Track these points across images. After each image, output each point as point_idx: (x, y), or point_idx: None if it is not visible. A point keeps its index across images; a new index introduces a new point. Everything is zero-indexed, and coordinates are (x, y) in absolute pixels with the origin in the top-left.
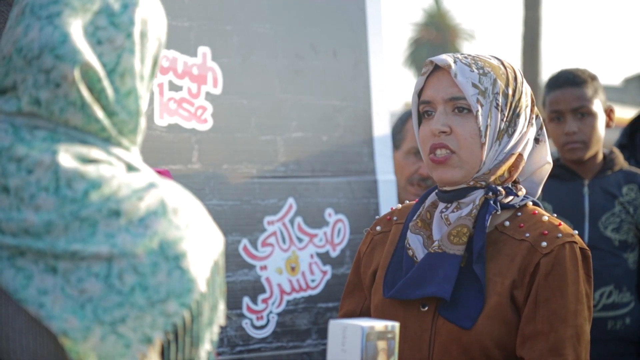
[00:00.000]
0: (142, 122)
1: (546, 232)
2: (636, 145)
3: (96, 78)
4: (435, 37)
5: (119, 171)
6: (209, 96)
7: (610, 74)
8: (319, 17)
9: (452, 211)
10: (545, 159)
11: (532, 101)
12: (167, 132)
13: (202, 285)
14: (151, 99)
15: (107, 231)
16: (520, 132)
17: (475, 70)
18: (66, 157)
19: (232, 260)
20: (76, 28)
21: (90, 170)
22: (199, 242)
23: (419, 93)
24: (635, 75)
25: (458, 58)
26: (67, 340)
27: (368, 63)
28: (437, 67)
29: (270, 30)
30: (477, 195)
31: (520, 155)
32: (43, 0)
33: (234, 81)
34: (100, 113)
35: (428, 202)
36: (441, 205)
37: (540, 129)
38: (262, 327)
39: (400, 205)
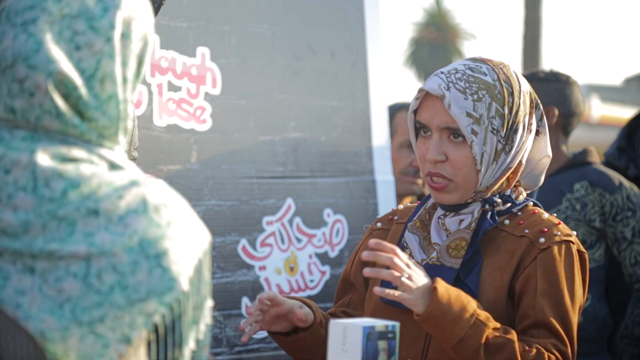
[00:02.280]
0: (128, 124)
1: (545, 229)
2: (635, 147)
3: (72, 86)
4: (435, 37)
5: (99, 170)
6: (207, 97)
7: (610, 74)
8: (317, 18)
9: (451, 217)
10: (544, 152)
11: (532, 102)
12: (166, 132)
13: (184, 284)
14: (150, 99)
15: (85, 230)
16: (518, 146)
17: (469, 97)
18: (44, 157)
19: (231, 260)
20: (52, 35)
21: (69, 169)
22: (182, 240)
23: (415, 111)
24: (636, 75)
25: (452, 82)
26: (45, 341)
27: (366, 63)
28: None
29: (268, 30)
30: (475, 208)
31: (519, 162)
32: (19, 6)
33: (233, 82)
34: (77, 120)
35: (429, 203)
36: (440, 211)
37: (540, 119)
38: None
39: (402, 206)
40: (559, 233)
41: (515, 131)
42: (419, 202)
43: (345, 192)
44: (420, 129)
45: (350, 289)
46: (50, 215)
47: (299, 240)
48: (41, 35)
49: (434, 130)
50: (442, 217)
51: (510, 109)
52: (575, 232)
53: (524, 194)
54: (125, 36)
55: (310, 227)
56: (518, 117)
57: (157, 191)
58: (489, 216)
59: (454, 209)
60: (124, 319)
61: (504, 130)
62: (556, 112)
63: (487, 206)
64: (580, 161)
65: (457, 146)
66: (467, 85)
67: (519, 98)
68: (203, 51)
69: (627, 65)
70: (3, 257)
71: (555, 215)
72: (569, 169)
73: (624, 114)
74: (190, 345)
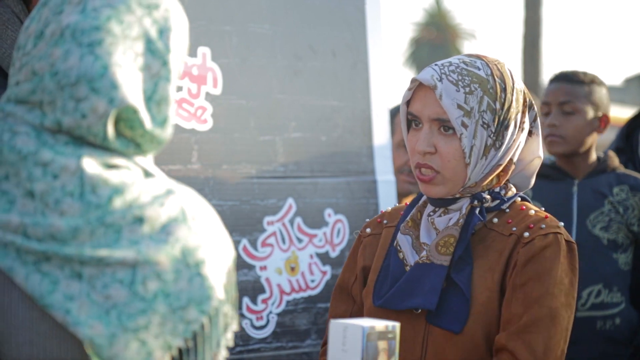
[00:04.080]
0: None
1: (532, 225)
2: (633, 147)
3: (132, 110)
4: (435, 37)
5: (138, 177)
6: (208, 97)
7: (610, 74)
8: (317, 18)
9: (439, 215)
10: (535, 153)
11: (525, 101)
12: None
13: (220, 292)
14: None
15: (131, 237)
16: (508, 143)
17: (461, 89)
18: (90, 163)
19: None
20: (117, 58)
21: (112, 175)
22: (216, 249)
23: (407, 102)
24: (636, 76)
25: (445, 74)
26: (93, 347)
27: (367, 63)
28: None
29: (269, 30)
30: (464, 204)
31: (510, 160)
32: (85, 26)
33: (234, 82)
34: (117, 144)
35: (421, 201)
36: (429, 208)
37: (533, 120)
38: (261, 328)
39: (390, 208)
40: (544, 226)
41: (507, 127)
42: (406, 203)
43: (346, 192)
44: (412, 121)
45: (348, 299)
46: (98, 221)
47: (299, 240)
48: (107, 59)
49: (425, 121)
50: (431, 214)
51: (502, 105)
52: (614, 235)
53: (513, 190)
54: (175, 59)
55: (311, 227)
56: (510, 114)
57: (191, 199)
58: (477, 212)
59: (443, 204)
60: (166, 326)
61: (495, 126)
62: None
63: (475, 202)
64: (610, 165)
65: (447, 139)
66: (460, 77)
67: (512, 95)
68: (204, 51)
69: (627, 66)
70: (51, 262)
71: (542, 209)
72: (602, 172)
73: (624, 114)
74: (222, 353)
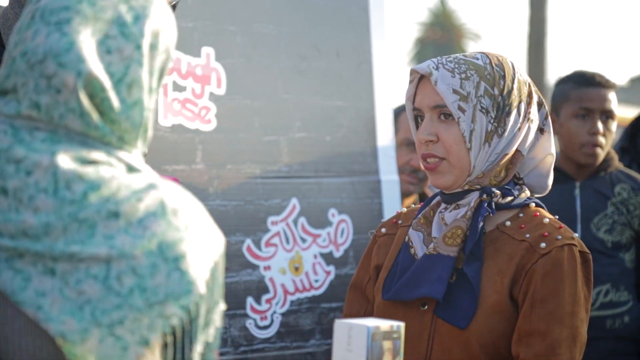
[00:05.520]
0: (149, 132)
1: (546, 233)
2: (638, 148)
3: (100, 87)
4: (440, 36)
5: (118, 172)
6: (212, 97)
7: (616, 74)
8: (322, 18)
9: (450, 211)
10: (547, 150)
11: (530, 94)
12: (171, 132)
13: (201, 287)
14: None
15: (106, 232)
16: (513, 131)
17: (457, 75)
18: (65, 159)
19: (236, 260)
20: (85, 36)
21: (89, 171)
22: (199, 244)
23: (413, 100)
24: None
25: (442, 63)
26: (65, 343)
27: (371, 63)
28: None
29: (273, 30)
30: (473, 198)
31: (518, 152)
32: (54, 6)
33: (238, 81)
34: (100, 121)
35: (434, 201)
36: (442, 205)
37: (545, 118)
38: (265, 327)
39: (405, 209)
40: (560, 237)
41: (508, 114)
42: (422, 203)
43: (350, 192)
44: (417, 116)
45: (362, 299)
46: (71, 217)
47: (303, 240)
48: (74, 36)
49: (426, 111)
50: (442, 210)
51: (501, 91)
52: (617, 237)
53: (528, 192)
54: (153, 47)
55: (315, 227)
56: (511, 101)
57: (174, 194)
58: (485, 205)
59: (453, 199)
60: (142, 321)
61: (495, 112)
62: None
63: (484, 196)
64: (611, 165)
65: (447, 125)
66: (456, 65)
67: (512, 82)
68: (208, 51)
69: (632, 65)
70: (24, 258)
71: (555, 217)
72: (603, 172)
73: (630, 114)
74: (198, 348)
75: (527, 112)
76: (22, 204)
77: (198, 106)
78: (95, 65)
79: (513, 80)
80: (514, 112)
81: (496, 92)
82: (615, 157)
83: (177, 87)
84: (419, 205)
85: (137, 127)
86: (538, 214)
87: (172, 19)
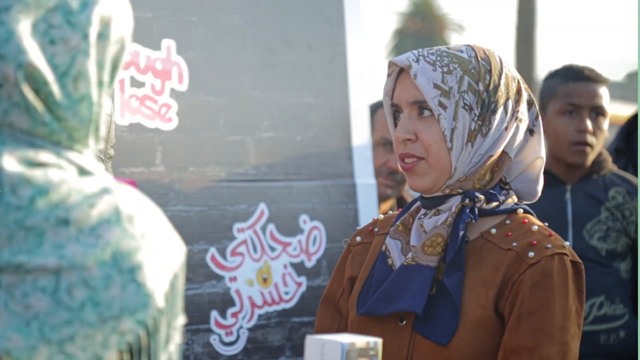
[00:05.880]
0: (101, 129)
1: (535, 242)
2: (634, 149)
3: (42, 81)
4: (421, 27)
5: (69, 175)
6: (173, 93)
7: (611, 69)
8: (292, 8)
9: (430, 217)
10: (537, 154)
11: (520, 91)
12: (129, 131)
13: (159, 300)
14: (111, 96)
15: (55, 241)
16: (499, 130)
17: (439, 69)
18: (10, 161)
19: (199, 270)
20: (25, 25)
21: (37, 174)
22: (157, 253)
23: (392, 94)
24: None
25: (422, 55)
26: None
27: (345, 57)
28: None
29: (239, 21)
30: (454, 203)
31: (505, 153)
32: None
33: (201, 77)
34: (47, 116)
35: (414, 207)
36: (422, 211)
37: (535, 119)
38: (231, 344)
39: (382, 216)
40: (550, 245)
41: (494, 112)
42: (400, 209)
43: (323, 197)
44: (396, 113)
45: (335, 313)
46: (17, 225)
47: (272, 249)
48: (14, 25)
49: (404, 107)
50: (422, 217)
51: (487, 87)
52: (612, 245)
53: (515, 197)
54: (103, 36)
55: (285, 234)
56: (497, 97)
57: (130, 199)
58: (467, 211)
59: (433, 204)
60: (95, 337)
61: (479, 109)
62: None
63: (467, 201)
64: (603, 167)
65: (426, 123)
66: (439, 58)
67: (499, 78)
68: (168, 44)
69: (629, 59)
70: None
71: (545, 224)
72: (595, 175)
73: (625, 111)
74: None
75: (515, 111)
76: None
77: (158, 103)
78: (36, 56)
79: (500, 75)
80: (501, 110)
81: (481, 87)
82: (608, 158)
83: (136, 83)
84: (398, 212)
85: (85, 124)
86: (527, 220)
87: (127, 6)
